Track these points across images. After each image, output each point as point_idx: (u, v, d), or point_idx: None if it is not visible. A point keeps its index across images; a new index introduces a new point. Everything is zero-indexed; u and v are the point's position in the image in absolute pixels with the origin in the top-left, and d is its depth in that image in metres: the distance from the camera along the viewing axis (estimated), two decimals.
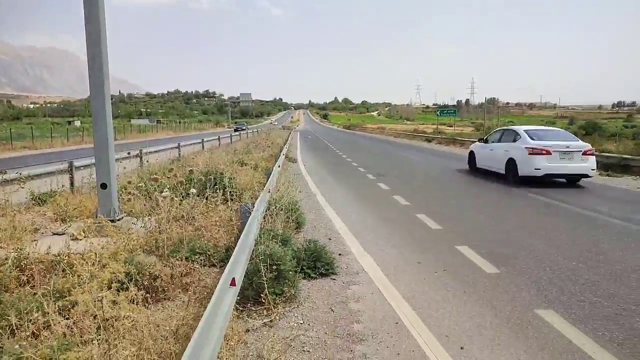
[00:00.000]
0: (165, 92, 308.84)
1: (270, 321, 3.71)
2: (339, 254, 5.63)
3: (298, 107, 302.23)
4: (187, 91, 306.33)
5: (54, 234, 6.07)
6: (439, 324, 3.76)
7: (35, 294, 3.73)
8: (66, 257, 4.39)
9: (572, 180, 11.89)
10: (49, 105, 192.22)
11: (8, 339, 2.89)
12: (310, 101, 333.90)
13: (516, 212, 8.54)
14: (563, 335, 3.51)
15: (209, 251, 4.93)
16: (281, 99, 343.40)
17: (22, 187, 6.59)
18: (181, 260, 4.52)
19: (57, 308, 3.40)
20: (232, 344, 3.16)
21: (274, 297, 3.95)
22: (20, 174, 6.86)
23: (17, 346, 2.49)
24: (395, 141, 40.57)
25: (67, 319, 3.28)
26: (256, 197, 6.36)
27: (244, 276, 3.79)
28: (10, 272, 4.16)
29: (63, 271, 4.18)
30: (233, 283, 2.98)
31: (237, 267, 3.35)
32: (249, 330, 3.55)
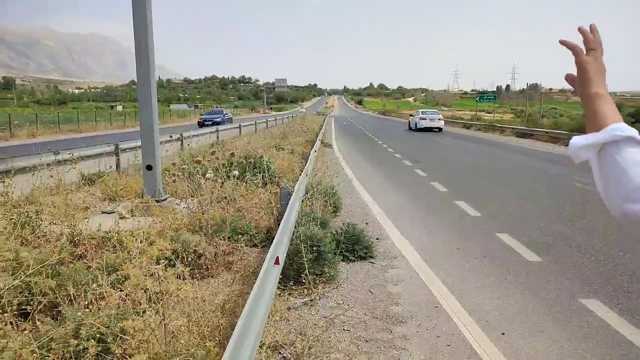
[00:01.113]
0: (203, 77, 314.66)
1: (311, 300, 3.80)
2: (377, 238, 5.66)
3: (332, 92, 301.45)
4: (223, 77, 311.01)
5: (103, 213, 6.38)
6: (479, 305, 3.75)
7: (89, 267, 3.95)
8: (116, 234, 4.62)
9: (438, 130, 30.14)
10: (92, 90, 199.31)
11: (68, 307, 3.09)
12: (344, 87, 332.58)
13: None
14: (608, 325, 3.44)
15: (250, 232, 5.06)
16: (316, 85, 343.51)
17: (74, 168, 6.92)
18: (224, 239, 4.67)
19: (110, 281, 3.60)
20: (275, 319, 3.27)
21: (314, 277, 4.03)
22: (72, 154, 7.20)
23: (79, 313, 2.67)
24: None
25: (121, 291, 3.47)
26: (294, 180, 6.45)
27: (285, 257, 3.89)
28: (66, 247, 4.42)
29: (113, 247, 4.40)
30: (277, 262, 3.06)
31: (280, 246, 3.43)
32: (290, 309, 3.65)
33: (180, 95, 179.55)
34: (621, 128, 0.81)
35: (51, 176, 6.49)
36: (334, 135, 26.97)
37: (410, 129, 32.78)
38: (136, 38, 6.52)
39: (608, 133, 0.81)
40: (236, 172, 5.96)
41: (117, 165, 9.19)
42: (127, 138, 11.73)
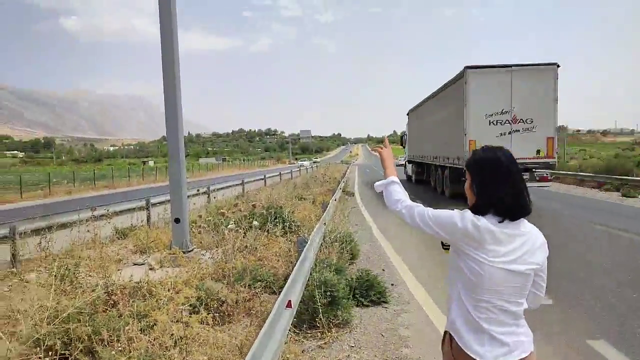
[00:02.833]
0: (230, 131, 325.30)
1: (325, 343, 4.02)
2: (392, 284, 5.85)
3: (356, 141, 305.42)
4: (250, 129, 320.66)
5: (135, 264, 6.80)
6: None
7: (121, 315, 4.31)
8: (146, 284, 4.98)
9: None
10: (126, 147, 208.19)
11: (103, 349, 3.42)
12: (368, 135, 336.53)
13: None
14: None
15: (269, 279, 5.36)
16: (340, 134, 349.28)
17: (109, 223, 7.45)
18: (245, 287, 4.98)
19: (140, 327, 3.93)
20: None
21: (328, 321, 4.27)
22: (108, 210, 7.76)
23: (113, 352, 3.00)
24: None
25: (148, 335, 3.79)
26: (313, 229, 6.76)
27: (301, 302, 4.16)
28: (100, 297, 4.81)
29: (143, 296, 4.75)
30: (289, 305, 3.34)
31: (293, 291, 3.72)
32: (304, 351, 3.88)
33: (209, 149, 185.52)
34: (393, 178, 2.01)
35: (88, 231, 7.02)
36: (357, 183, 27.35)
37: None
38: (166, 96, 7.04)
39: (388, 179, 2.02)
40: (256, 223, 6.34)
41: (148, 219, 9.74)
42: (157, 192, 12.39)
